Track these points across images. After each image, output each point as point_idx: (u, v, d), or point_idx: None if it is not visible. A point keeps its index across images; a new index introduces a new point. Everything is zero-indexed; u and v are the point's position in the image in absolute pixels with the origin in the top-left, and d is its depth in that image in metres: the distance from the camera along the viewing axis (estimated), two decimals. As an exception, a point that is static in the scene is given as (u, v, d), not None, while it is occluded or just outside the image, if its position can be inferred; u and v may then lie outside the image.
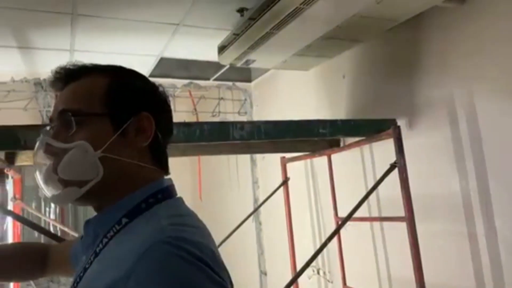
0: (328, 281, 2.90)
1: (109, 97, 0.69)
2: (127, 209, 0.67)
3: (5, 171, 2.55)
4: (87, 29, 2.42)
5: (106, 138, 0.67)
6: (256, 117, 3.81)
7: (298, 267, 2.88)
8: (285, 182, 2.93)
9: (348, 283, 2.55)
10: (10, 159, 1.83)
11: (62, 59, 2.74)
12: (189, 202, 0.75)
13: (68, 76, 0.72)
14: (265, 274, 3.80)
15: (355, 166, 2.60)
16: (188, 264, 0.54)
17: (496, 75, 1.81)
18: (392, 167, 1.98)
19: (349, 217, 1.89)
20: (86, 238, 0.72)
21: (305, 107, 3.07)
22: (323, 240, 2.88)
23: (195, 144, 2.02)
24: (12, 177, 2.96)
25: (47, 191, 0.68)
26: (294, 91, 3.21)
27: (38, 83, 3.11)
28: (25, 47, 2.64)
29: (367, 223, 2.48)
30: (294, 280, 2.09)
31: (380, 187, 2.01)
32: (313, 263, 3.07)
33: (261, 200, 3.68)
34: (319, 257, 2.99)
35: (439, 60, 2.08)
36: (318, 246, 2.98)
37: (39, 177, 0.69)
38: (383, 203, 2.41)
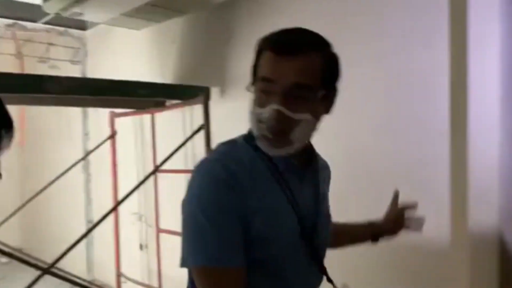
0: (150, 226, 3.21)
1: (325, 74, 0.81)
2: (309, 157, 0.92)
3: None
4: None
5: (320, 112, 0.83)
6: (90, 69, 3.76)
7: (123, 215, 3.13)
8: (112, 136, 3.06)
9: (161, 227, 2.89)
10: None
11: None
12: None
13: (297, 48, 0.79)
14: (91, 222, 3.93)
15: (176, 125, 2.89)
16: None
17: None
18: (199, 129, 2.33)
19: (157, 168, 2.19)
20: (295, 172, 0.88)
21: (138, 66, 3.20)
22: (146, 189, 3.17)
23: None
24: None
25: (270, 144, 0.80)
26: (128, 48, 3.30)
27: None
28: None
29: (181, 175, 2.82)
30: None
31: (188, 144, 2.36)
32: (137, 211, 3.35)
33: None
34: (143, 205, 3.28)
35: (246, 40, 2.46)
36: (142, 195, 3.26)
37: (266, 132, 0.80)
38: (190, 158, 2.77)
